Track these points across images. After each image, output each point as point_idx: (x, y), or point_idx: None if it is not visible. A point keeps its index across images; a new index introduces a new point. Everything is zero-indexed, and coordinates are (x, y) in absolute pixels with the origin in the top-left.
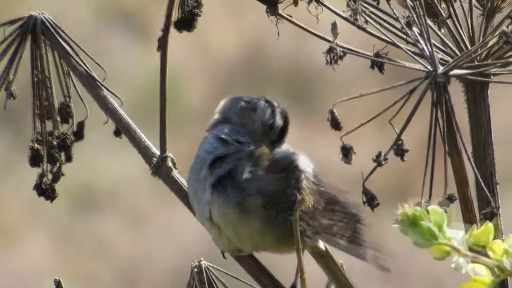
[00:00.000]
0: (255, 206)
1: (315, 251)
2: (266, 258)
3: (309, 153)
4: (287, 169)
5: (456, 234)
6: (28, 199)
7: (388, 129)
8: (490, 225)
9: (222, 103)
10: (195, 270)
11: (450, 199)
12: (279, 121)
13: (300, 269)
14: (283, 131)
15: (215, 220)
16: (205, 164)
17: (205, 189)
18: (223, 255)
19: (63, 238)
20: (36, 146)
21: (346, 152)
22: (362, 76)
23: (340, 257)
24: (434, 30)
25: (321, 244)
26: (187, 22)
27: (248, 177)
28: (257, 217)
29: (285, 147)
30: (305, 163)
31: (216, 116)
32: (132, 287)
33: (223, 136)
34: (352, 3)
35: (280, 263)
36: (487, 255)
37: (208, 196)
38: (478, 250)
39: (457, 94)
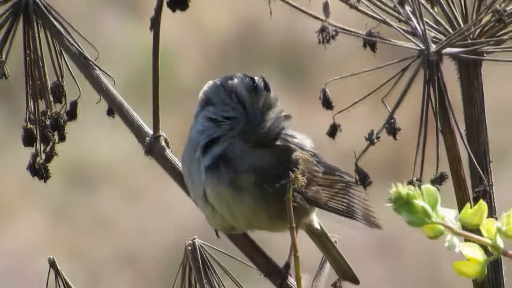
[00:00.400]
0: (248, 183)
1: (309, 229)
2: (260, 236)
3: (304, 130)
4: (279, 141)
5: (449, 213)
6: (23, 177)
7: (383, 107)
8: (483, 204)
9: (202, 91)
10: (189, 248)
11: (442, 177)
12: (260, 102)
13: (293, 248)
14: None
15: (209, 200)
16: (198, 145)
17: (199, 169)
18: (217, 234)
19: (57, 215)
20: (29, 126)
21: (334, 131)
22: (357, 53)
23: (335, 235)
24: (426, 9)
25: (316, 223)
26: (180, 1)
27: (239, 154)
28: (250, 195)
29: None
30: (301, 137)
31: (199, 99)
32: (128, 263)
33: (212, 116)
34: None
35: (274, 242)
36: (480, 234)
37: (202, 176)
38: (472, 229)
39: (450, 72)
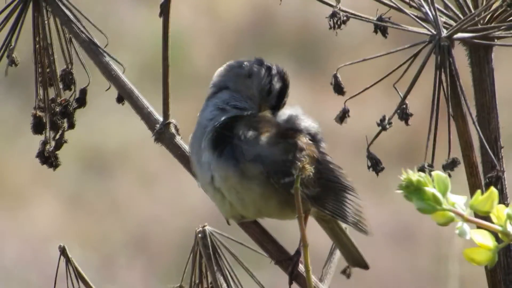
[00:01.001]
0: (255, 172)
1: (319, 216)
2: (270, 224)
3: (317, 115)
4: (289, 134)
5: (460, 200)
6: (37, 164)
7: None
8: (494, 190)
9: (218, 71)
10: (199, 235)
11: (454, 162)
12: (276, 85)
13: (302, 238)
14: (282, 94)
15: (217, 186)
16: (206, 131)
17: (207, 155)
18: (227, 221)
19: (72, 202)
20: (39, 113)
21: (343, 116)
22: (371, 39)
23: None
24: None
25: None
26: None
27: (247, 142)
28: (259, 182)
29: (293, 110)
30: (309, 126)
31: (214, 83)
32: (141, 249)
33: (220, 105)
34: None
35: (284, 229)
36: (491, 221)
37: (210, 161)
38: (482, 216)
39: (461, 58)
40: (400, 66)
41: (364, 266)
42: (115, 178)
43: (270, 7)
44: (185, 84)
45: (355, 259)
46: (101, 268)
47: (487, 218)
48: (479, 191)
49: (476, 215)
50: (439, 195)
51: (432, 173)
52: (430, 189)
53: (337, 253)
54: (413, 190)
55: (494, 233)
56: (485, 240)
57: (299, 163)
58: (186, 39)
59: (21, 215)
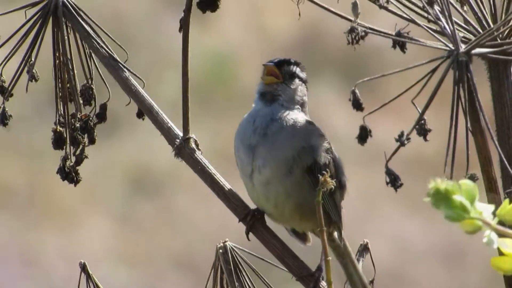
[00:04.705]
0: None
1: (330, 240)
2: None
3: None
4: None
5: (487, 209)
6: (87, 183)
7: (442, 109)
8: None
9: None
10: (220, 251)
11: (472, 178)
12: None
13: (324, 251)
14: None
15: (255, 161)
16: (257, 115)
17: (252, 135)
18: (247, 237)
19: (122, 221)
20: (59, 128)
21: (364, 134)
22: (421, 57)
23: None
24: (456, 8)
25: (336, 236)
26: (209, 2)
27: (279, 131)
28: (294, 178)
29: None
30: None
31: None
32: (191, 268)
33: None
34: None
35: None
36: None
37: (254, 141)
38: (510, 225)
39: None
40: (418, 82)
41: None
42: (165, 197)
43: (318, 25)
44: (233, 103)
45: None
46: None
47: None
48: (506, 200)
49: (502, 225)
50: (467, 203)
51: (460, 181)
52: (458, 197)
53: (360, 268)
54: (441, 198)
55: None
56: None
57: (321, 177)
58: (234, 58)
59: (71, 235)
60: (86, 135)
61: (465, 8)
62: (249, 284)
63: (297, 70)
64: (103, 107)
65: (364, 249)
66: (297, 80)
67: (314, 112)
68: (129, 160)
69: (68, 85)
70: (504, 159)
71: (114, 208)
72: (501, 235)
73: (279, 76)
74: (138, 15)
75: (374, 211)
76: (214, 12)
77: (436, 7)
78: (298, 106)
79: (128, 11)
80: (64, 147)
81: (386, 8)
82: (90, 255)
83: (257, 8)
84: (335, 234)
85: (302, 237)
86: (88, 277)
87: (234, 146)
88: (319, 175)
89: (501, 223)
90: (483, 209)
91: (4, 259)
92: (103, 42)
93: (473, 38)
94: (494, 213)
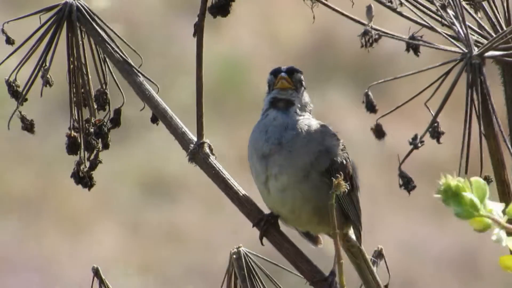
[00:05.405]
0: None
1: (346, 242)
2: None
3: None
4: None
5: (497, 207)
6: (99, 189)
7: (453, 113)
8: None
9: None
10: (234, 256)
11: (486, 180)
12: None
13: (337, 254)
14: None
15: (270, 169)
16: (270, 125)
17: (265, 145)
18: (261, 242)
19: (133, 227)
20: (73, 133)
21: (380, 134)
22: (433, 61)
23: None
24: (469, 13)
25: (353, 237)
26: (221, 8)
27: (294, 139)
28: (311, 182)
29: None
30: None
31: None
32: (203, 275)
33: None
34: None
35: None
36: None
37: (267, 151)
38: None
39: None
40: (431, 85)
41: None
42: (176, 203)
43: (329, 30)
44: (246, 108)
45: None
46: None
47: None
48: None
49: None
50: (476, 201)
51: (471, 179)
52: (468, 195)
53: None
54: (451, 195)
55: None
56: None
57: (334, 180)
58: (246, 64)
59: (83, 241)
60: (100, 140)
61: (479, 14)
62: None
63: (302, 77)
64: (117, 112)
65: (378, 255)
66: (303, 87)
67: (326, 117)
68: (141, 166)
69: (82, 90)
70: None
71: (126, 214)
72: (510, 233)
73: (291, 83)
74: (152, 21)
75: (386, 215)
76: (225, 17)
77: (450, 11)
78: (308, 112)
79: (141, 17)
80: (78, 152)
81: (399, 12)
82: (102, 262)
83: (269, 15)
84: (351, 233)
85: (314, 239)
86: (101, 282)
87: (248, 154)
88: (337, 175)
89: (510, 221)
90: (493, 207)
91: (16, 265)
92: (118, 47)
93: (486, 42)
94: (504, 212)
